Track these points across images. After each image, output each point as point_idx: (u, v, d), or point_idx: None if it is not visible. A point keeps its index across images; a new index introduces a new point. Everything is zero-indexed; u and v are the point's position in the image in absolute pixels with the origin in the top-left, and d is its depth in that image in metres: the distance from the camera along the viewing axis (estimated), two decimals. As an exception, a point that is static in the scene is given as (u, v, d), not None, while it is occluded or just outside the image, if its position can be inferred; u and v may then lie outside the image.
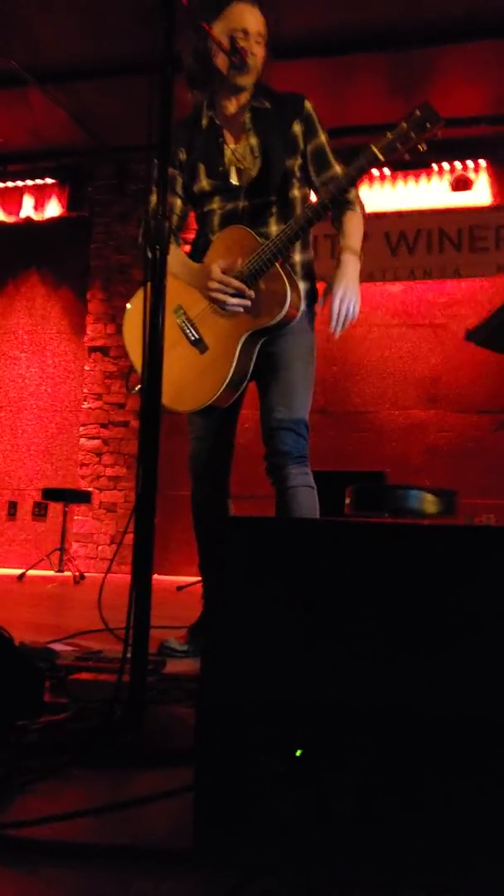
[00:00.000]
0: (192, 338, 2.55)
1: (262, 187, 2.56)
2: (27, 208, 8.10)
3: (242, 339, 2.50)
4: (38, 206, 8.11)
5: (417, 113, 2.30)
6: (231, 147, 2.60)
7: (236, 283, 2.44)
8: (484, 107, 6.86)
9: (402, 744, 1.00)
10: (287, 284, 2.45)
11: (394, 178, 7.37)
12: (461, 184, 7.30)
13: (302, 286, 2.62)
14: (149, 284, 1.72)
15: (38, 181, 8.12)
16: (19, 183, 8.17)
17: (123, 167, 7.91)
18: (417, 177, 7.37)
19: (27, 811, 1.19)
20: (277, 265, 2.45)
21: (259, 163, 2.56)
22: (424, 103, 2.31)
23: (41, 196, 8.13)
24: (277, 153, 2.55)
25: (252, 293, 2.46)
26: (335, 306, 2.47)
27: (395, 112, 7.09)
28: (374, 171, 7.41)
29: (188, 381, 2.53)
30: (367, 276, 7.28)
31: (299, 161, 2.61)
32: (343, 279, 2.49)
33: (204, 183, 2.60)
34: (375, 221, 7.22)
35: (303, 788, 1.00)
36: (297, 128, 2.59)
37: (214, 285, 2.46)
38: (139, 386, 2.72)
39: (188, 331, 2.56)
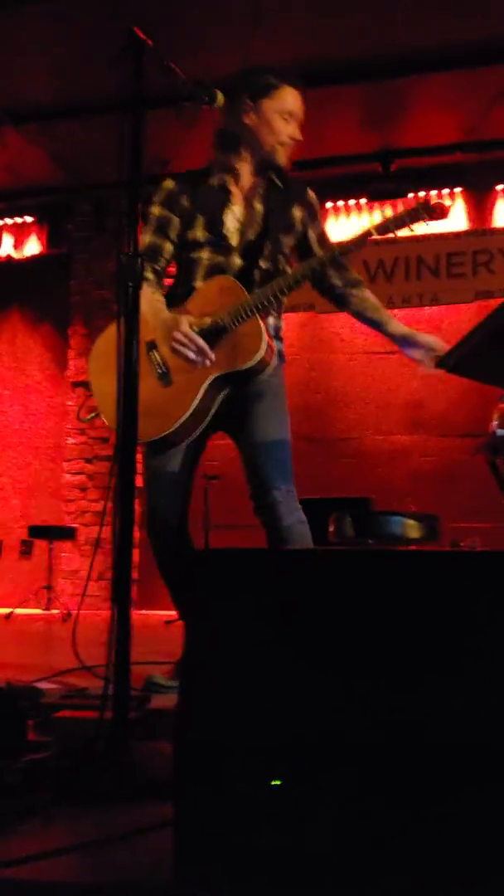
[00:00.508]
0: (159, 371, 2.56)
1: (256, 252, 2.63)
2: (7, 247, 8.15)
3: (209, 378, 2.51)
4: (18, 244, 8.17)
5: (418, 206, 2.56)
6: (236, 209, 2.66)
7: (200, 342, 2.47)
8: (457, 135, 6.97)
9: (381, 775, 1.00)
10: (263, 334, 2.50)
11: (370, 207, 7.47)
12: (439, 212, 7.39)
13: (277, 345, 2.68)
14: (121, 319, 1.74)
15: (17, 219, 8.18)
16: (-2, 222, 8.23)
17: (101, 204, 7.98)
18: (395, 205, 7.46)
19: (9, 851, 1.18)
20: (258, 318, 2.50)
21: (259, 230, 2.64)
22: (428, 203, 2.59)
23: (20, 234, 8.19)
24: (278, 227, 2.65)
25: (213, 357, 2.49)
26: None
27: (369, 142, 7.25)
28: (351, 202, 7.51)
29: (149, 412, 2.52)
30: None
31: (292, 241, 2.72)
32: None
33: (199, 233, 2.64)
34: (353, 250, 7.29)
35: (281, 820, 1.00)
36: (298, 212, 2.71)
37: (179, 338, 2.48)
38: (92, 414, 2.73)
39: (157, 365, 2.56)
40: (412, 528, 3.47)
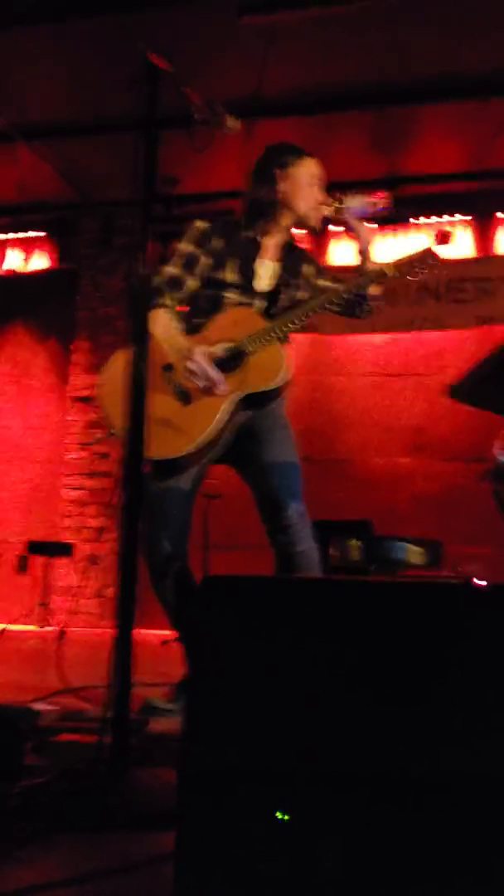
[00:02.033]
0: (178, 389, 2.57)
1: (275, 299, 2.80)
2: (14, 261, 8.17)
3: (231, 398, 2.56)
4: (25, 258, 8.19)
5: (421, 253, 2.87)
6: (265, 261, 2.82)
7: (211, 373, 2.53)
8: (463, 163, 7.01)
9: (388, 803, 0.99)
10: (283, 359, 2.62)
11: (375, 232, 7.49)
12: (445, 238, 7.43)
13: None
14: (132, 338, 1.73)
15: (25, 234, 8.21)
16: (6, 236, 8.25)
17: (109, 221, 8.01)
18: (397, 231, 7.50)
19: (6, 881, 1.16)
20: (278, 344, 2.64)
21: (277, 281, 2.82)
22: (428, 250, 2.90)
23: (27, 249, 8.22)
24: (292, 281, 2.85)
25: (225, 386, 2.56)
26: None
27: (376, 168, 7.31)
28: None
29: (163, 429, 2.53)
30: (349, 328, 7.37)
31: (306, 294, 2.88)
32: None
33: (229, 275, 2.75)
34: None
35: (284, 849, 0.98)
36: (307, 269, 2.92)
37: (192, 367, 2.51)
38: (110, 432, 2.74)
39: (175, 384, 2.57)
40: (415, 554, 3.45)
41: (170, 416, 2.54)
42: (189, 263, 2.73)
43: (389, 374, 7.32)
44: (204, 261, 2.74)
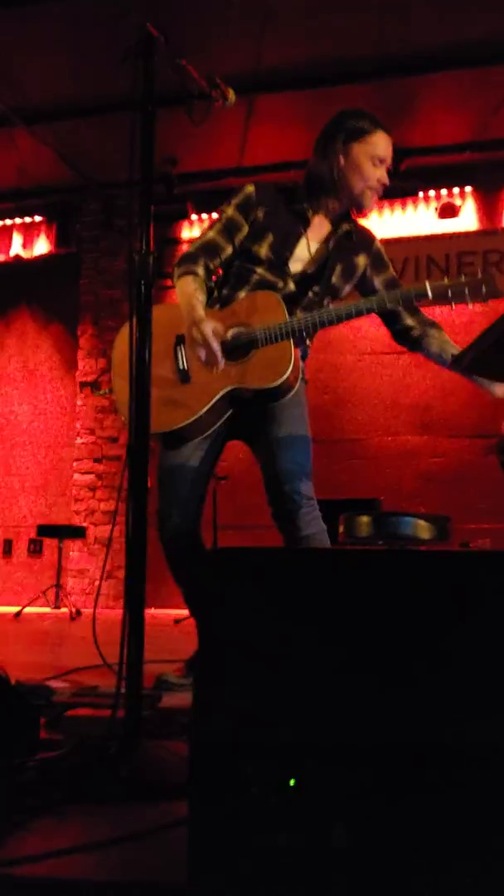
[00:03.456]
0: (181, 366, 2.55)
1: (308, 285, 2.66)
2: (16, 246, 8.17)
3: (225, 389, 2.50)
4: (27, 243, 8.18)
5: (479, 277, 2.53)
6: (308, 241, 2.68)
7: (214, 346, 2.46)
8: (467, 134, 6.97)
9: (399, 775, 1.00)
10: (290, 366, 2.48)
11: (380, 206, 7.46)
12: (447, 211, 7.39)
13: (302, 364, 2.70)
14: (133, 318, 1.74)
15: (27, 219, 8.20)
16: (7, 221, 8.24)
17: (110, 203, 7.99)
18: (404, 205, 7.46)
19: (23, 848, 1.18)
20: (290, 344, 2.50)
21: (317, 267, 2.67)
22: (488, 274, 2.55)
23: (30, 233, 8.21)
24: (337, 270, 2.69)
25: (221, 364, 2.48)
26: None
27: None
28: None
29: (167, 403, 2.52)
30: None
31: (351, 287, 2.76)
32: None
33: (263, 250, 2.64)
34: (362, 250, 7.29)
35: (297, 820, 0.99)
36: (362, 260, 2.75)
37: (196, 335, 2.47)
38: (107, 390, 2.73)
39: (180, 358, 2.55)
40: (423, 529, 3.46)
41: (168, 391, 2.53)
42: (229, 230, 2.64)
43: (396, 352, 7.29)
44: (244, 230, 2.65)
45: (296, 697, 1.06)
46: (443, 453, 7.06)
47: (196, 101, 2.35)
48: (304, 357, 2.77)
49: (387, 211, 7.48)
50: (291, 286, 2.65)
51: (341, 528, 3.73)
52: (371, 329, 7.37)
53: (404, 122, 6.84)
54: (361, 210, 2.71)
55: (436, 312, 7.65)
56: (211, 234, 2.66)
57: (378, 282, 2.78)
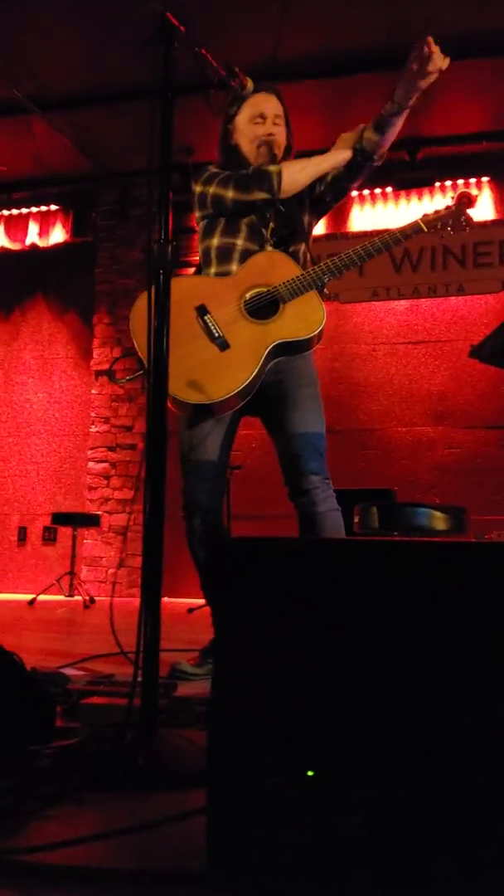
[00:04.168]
0: (216, 335, 2.57)
1: (288, 240, 2.79)
2: (32, 235, 8.17)
3: (270, 346, 2.56)
4: (43, 232, 8.18)
5: (464, 201, 2.83)
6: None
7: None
8: (485, 124, 6.90)
9: (417, 766, 1.00)
10: (322, 309, 2.62)
11: (396, 196, 7.42)
12: (467, 201, 7.33)
13: None
14: (152, 307, 1.73)
15: (43, 208, 8.20)
16: (24, 210, 8.25)
17: (126, 192, 7.98)
18: (421, 194, 7.41)
19: (39, 836, 1.19)
20: (315, 293, 2.63)
21: (283, 221, 2.79)
22: (465, 193, 2.86)
23: (46, 222, 8.21)
24: (296, 210, 2.80)
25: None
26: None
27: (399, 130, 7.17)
28: (377, 190, 7.46)
29: (200, 374, 2.53)
30: (371, 294, 7.32)
31: (308, 214, 2.85)
32: None
33: (244, 218, 2.77)
34: (378, 240, 7.24)
35: (315, 812, 0.99)
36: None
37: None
38: (131, 376, 2.77)
39: (213, 328, 2.58)
40: (439, 520, 3.45)
41: (206, 361, 2.54)
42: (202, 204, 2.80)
43: (411, 342, 7.27)
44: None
45: (313, 688, 1.06)
46: (458, 444, 7.03)
47: (215, 90, 2.35)
48: None
49: (403, 200, 7.44)
50: (270, 247, 2.74)
51: (356, 519, 3.72)
52: (388, 318, 7.33)
53: (421, 112, 6.78)
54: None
55: (451, 303, 7.54)
56: (196, 213, 2.84)
57: (320, 185, 2.80)
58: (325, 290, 2.77)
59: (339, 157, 2.72)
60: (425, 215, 2.79)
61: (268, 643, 1.10)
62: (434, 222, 2.77)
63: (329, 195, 2.82)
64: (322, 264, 2.65)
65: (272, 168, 2.68)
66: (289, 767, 1.01)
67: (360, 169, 2.75)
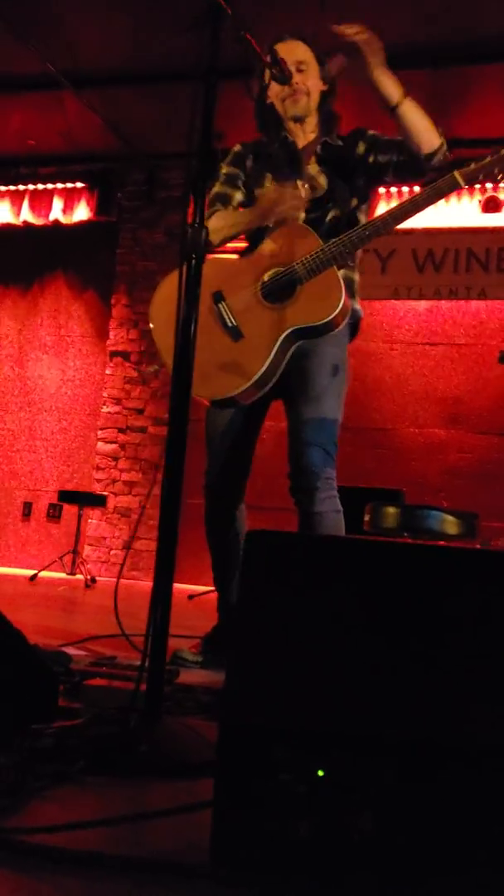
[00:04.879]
0: (229, 324, 2.48)
1: (322, 202, 2.64)
2: (56, 211, 8.14)
3: (284, 333, 2.43)
4: (67, 209, 8.15)
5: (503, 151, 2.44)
6: (303, 167, 2.69)
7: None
8: (517, 128, 6.85)
9: (428, 768, 0.98)
10: (342, 289, 2.43)
11: (424, 196, 7.36)
12: (491, 205, 7.29)
13: (349, 302, 2.61)
14: (182, 292, 1.71)
15: (68, 184, 8.17)
16: (49, 186, 8.22)
17: (153, 174, 7.95)
18: (448, 196, 7.35)
19: (40, 817, 1.18)
20: (335, 269, 2.45)
21: (323, 185, 2.66)
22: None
23: (70, 199, 8.18)
24: (340, 175, 2.66)
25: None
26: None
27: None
28: (405, 189, 7.41)
29: (215, 368, 2.44)
30: (391, 293, 7.28)
31: (362, 179, 2.71)
32: None
33: (268, 185, 2.68)
34: (403, 238, 7.20)
35: (323, 808, 0.98)
36: (361, 147, 2.70)
37: (285, 208, 2.47)
38: (155, 367, 2.72)
39: (226, 316, 2.50)
40: (451, 525, 3.43)
41: (220, 353, 2.44)
42: (230, 179, 2.72)
43: (429, 343, 7.23)
44: (242, 176, 2.73)
45: (328, 685, 1.05)
46: (470, 449, 6.99)
47: (257, 76, 2.32)
48: (350, 291, 2.66)
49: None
50: (302, 215, 2.60)
51: (367, 518, 3.71)
52: (407, 318, 7.30)
53: (455, 112, 6.72)
54: (301, 122, 2.70)
55: (441, 308, 7.45)
56: (216, 188, 2.71)
57: (383, 158, 2.66)
58: (353, 262, 2.64)
59: (249, 220, 2.58)
60: (462, 169, 2.50)
61: (284, 638, 1.09)
62: (474, 174, 2.46)
63: (385, 174, 2.68)
64: (343, 236, 2.45)
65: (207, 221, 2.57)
66: (300, 764, 1.00)
67: (408, 167, 2.62)
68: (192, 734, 1.53)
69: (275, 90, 2.64)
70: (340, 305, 2.42)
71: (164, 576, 1.57)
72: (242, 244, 2.74)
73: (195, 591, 5.61)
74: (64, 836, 1.11)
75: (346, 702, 1.03)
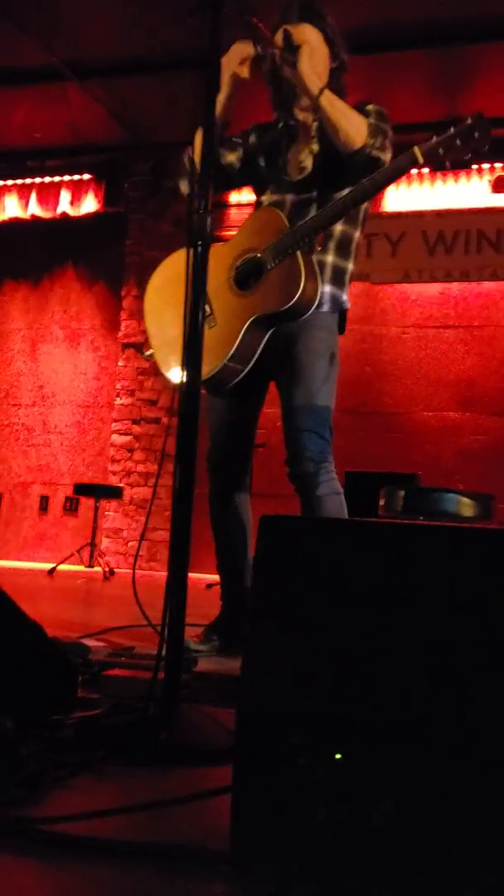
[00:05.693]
0: (206, 312, 2.50)
1: (311, 184, 2.59)
2: (64, 203, 8.14)
3: (248, 321, 2.43)
4: (75, 201, 8.15)
5: (468, 122, 2.28)
6: (297, 146, 2.66)
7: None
8: (525, 106, 6.78)
9: (447, 753, 0.98)
10: (303, 275, 2.37)
11: (432, 177, 7.31)
12: (501, 185, 7.22)
13: (327, 288, 2.57)
14: (189, 280, 1.71)
15: (75, 176, 8.16)
16: (56, 178, 8.22)
17: (160, 164, 7.92)
18: (457, 177, 7.30)
19: (61, 806, 1.18)
20: (299, 255, 2.39)
21: (315, 163, 2.60)
22: (478, 115, 2.28)
23: (78, 191, 8.17)
24: (333, 159, 2.54)
25: None
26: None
27: (437, 110, 7.11)
28: (413, 171, 7.35)
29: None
30: (402, 276, 7.24)
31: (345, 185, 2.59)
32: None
33: (261, 171, 2.67)
34: (413, 220, 7.16)
35: (342, 795, 0.98)
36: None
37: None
38: (150, 352, 2.70)
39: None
40: (466, 507, 3.42)
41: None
42: (229, 144, 2.67)
43: (441, 326, 7.19)
44: (240, 148, 2.69)
45: (345, 669, 1.04)
46: (484, 431, 6.96)
47: (265, 62, 2.29)
48: (336, 278, 2.59)
49: (439, 182, 7.33)
50: (293, 196, 2.59)
51: (382, 501, 3.70)
52: (418, 301, 7.26)
53: (461, 92, 6.67)
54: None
55: (453, 291, 7.45)
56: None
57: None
58: (316, 246, 2.53)
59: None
60: (422, 144, 2.30)
61: (301, 623, 1.08)
62: (434, 148, 2.25)
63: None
64: (306, 220, 2.39)
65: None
66: (318, 749, 0.99)
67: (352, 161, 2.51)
68: (211, 722, 1.54)
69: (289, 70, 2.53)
70: (300, 292, 2.36)
71: (179, 564, 1.57)
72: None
73: (213, 580, 5.62)
74: (85, 825, 1.11)
75: (363, 685, 1.03)
